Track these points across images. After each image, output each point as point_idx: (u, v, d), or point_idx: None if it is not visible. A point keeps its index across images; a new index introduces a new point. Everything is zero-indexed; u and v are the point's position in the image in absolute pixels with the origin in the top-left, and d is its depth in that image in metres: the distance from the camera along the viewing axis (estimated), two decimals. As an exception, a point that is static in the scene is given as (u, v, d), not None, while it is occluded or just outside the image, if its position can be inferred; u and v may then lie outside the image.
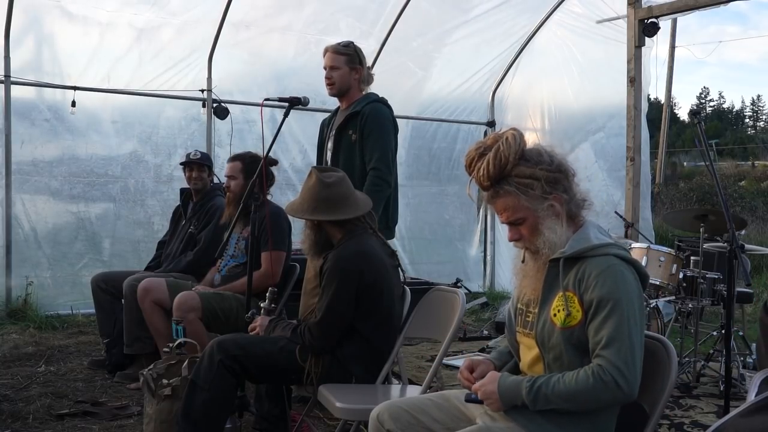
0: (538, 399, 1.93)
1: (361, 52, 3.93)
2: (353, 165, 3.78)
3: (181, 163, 4.76)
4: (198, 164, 4.64)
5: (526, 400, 1.95)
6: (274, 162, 3.96)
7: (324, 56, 3.89)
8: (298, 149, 7.02)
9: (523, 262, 2.15)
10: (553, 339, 1.99)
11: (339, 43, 3.90)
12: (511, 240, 2.11)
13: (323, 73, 3.91)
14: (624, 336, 1.88)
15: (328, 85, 3.87)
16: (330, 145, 3.95)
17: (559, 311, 1.99)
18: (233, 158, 4.19)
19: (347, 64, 3.84)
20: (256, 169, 3.83)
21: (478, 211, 8.23)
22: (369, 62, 7.10)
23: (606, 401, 1.91)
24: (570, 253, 1.98)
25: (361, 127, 3.78)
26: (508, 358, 2.24)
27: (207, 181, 4.68)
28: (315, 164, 4.04)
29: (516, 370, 2.18)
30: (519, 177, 2.01)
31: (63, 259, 6.18)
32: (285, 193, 6.60)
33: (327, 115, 4.23)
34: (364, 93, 3.92)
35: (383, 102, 3.92)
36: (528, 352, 2.11)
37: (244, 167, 4.06)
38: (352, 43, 3.93)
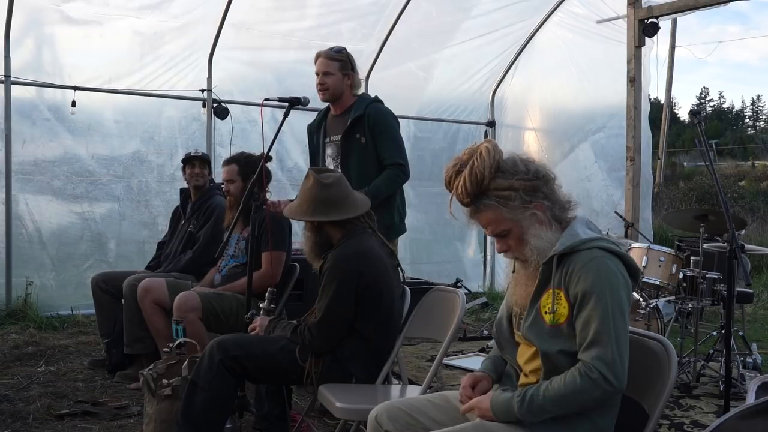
0: (532, 410, 1.93)
1: (353, 58, 3.93)
2: (366, 167, 3.82)
3: (183, 161, 4.76)
4: (200, 160, 4.67)
5: (520, 415, 1.95)
6: (269, 158, 3.97)
7: (316, 61, 3.87)
8: (300, 149, 7.02)
9: (513, 272, 2.16)
10: (542, 336, 1.99)
11: (331, 49, 3.88)
12: (500, 252, 2.11)
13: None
14: (609, 329, 1.88)
15: (320, 90, 3.87)
16: (330, 151, 3.95)
17: (548, 310, 2.00)
18: (228, 161, 4.19)
19: (340, 70, 3.84)
20: (252, 168, 3.91)
21: None
22: (369, 63, 7.19)
23: (597, 398, 1.91)
24: (561, 250, 1.98)
25: (370, 129, 3.82)
26: (502, 366, 2.24)
27: (207, 180, 4.70)
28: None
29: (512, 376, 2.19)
30: (497, 190, 2.00)
31: (68, 260, 6.18)
32: (289, 193, 6.61)
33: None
34: (356, 97, 3.95)
35: (381, 101, 3.97)
36: (526, 351, 2.11)
37: (240, 169, 4.07)
38: (345, 49, 3.92)
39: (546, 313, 2.00)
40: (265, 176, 3.85)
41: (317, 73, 3.86)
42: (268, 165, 3.97)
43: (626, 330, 1.93)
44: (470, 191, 2.01)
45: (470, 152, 2.05)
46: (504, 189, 2.00)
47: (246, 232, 3.97)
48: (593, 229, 2.07)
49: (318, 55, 3.87)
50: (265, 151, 3.43)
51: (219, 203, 4.51)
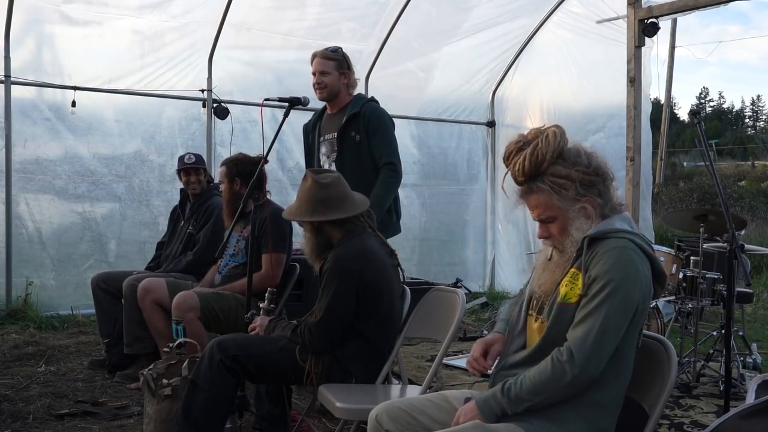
0: (511, 398, 1.94)
1: (348, 57, 3.99)
2: (361, 164, 3.88)
3: (179, 170, 4.75)
4: (194, 168, 4.66)
5: (503, 403, 1.94)
6: (265, 161, 3.97)
7: (312, 61, 3.95)
8: (301, 149, 6.97)
9: (549, 259, 2.13)
10: (552, 311, 2.00)
11: (327, 49, 3.96)
12: (540, 237, 2.09)
13: None
14: (600, 316, 1.87)
15: (318, 89, 3.94)
16: (324, 149, 4.00)
17: (564, 285, 1.99)
18: (221, 164, 4.20)
19: (336, 69, 3.92)
20: (240, 170, 3.97)
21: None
22: (369, 63, 7.19)
23: (566, 384, 1.88)
24: (593, 234, 1.97)
25: (365, 126, 3.88)
26: None
27: (203, 184, 4.70)
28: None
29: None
30: (554, 176, 1.99)
31: (68, 260, 6.17)
32: (289, 193, 6.62)
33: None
34: (352, 96, 4.00)
35: (377, 102, 4.04)
36: (534, 336, 2.11)
37: (227, 171, 4.07)
38: (340, 48, 4.00)
39: (559, 288, 2.00)
40: (253, 177, 3.87)
41: (314, 73, 3.93)
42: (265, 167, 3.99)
43: (620, 326, 1.89)
44: (527, 171, 1.99)
45: (536, 132, 2.03)
46: (561, 176, 1.98)
47: (246, 232, 3.98)
48: (633, 227, 2.05)
49: (314, 55, 3.95)
50: (265, 153, 3.43)
51: (218, 204, 4.51)
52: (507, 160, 2.05)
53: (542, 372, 1.91)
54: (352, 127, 3.90)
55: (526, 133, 2.06)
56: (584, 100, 7.61)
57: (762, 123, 59.25)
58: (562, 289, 1.99)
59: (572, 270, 1.99)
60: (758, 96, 61.75)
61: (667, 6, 6.10)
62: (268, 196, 4.02)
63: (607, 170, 2.05)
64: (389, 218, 3.96)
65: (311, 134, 4.14)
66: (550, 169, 1.99)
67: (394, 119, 4.12)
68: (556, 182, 1.99)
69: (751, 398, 1.71)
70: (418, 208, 7.83)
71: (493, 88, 8.13)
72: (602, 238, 1.97)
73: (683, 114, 51.48)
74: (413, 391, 2.86)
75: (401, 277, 3.13)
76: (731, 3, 5.82)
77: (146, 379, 3.15)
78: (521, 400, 1.93)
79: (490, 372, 2.16)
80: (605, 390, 1.96)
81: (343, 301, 2.84)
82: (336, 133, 3.94)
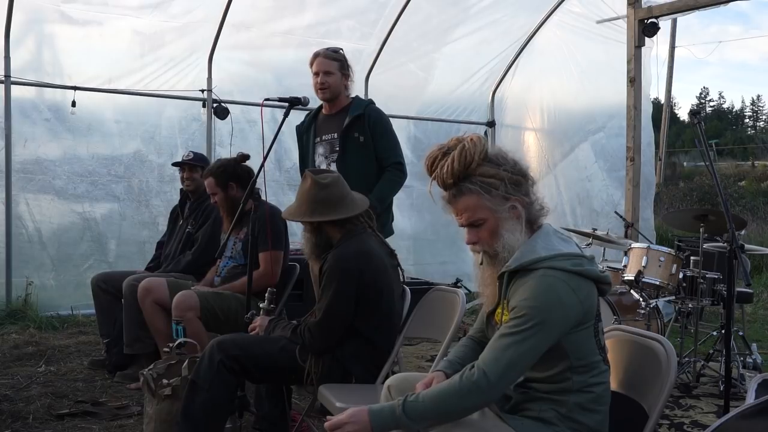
0: (409, 414, 1.88)
1: (347, 58, 3.99)
2: (364, 165, 3.88)
3: (174, 164, 4.76)
4: (189, 165, 4.64)
5: (400, 419, 1.88)
6: (246, 157, 3.96)
7: (313, 61, 3.91)
8: (299, 150, 7.03)
9: (481, 264, 2.13)
10: None
11: (328, 49, 3.94)
12: (468, 243, 2.07)
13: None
14: (510, 342, 1.86)
15: (321, 89, 3.90)
16: (322, 150, 3.99)
17: (498, 322, 2.02)
18: (205, 175, 4.14)
19: (340, 70, 3.90)
20: (231, 174, 3.96)
21: None
22: (369, 62, 7.19)
23: (471, 401, 1.87)
24: (513, 267, 1.97)
25: (370, 128, 3.88)
26: (460, 367, 2.21)
27: (200, 182, 4.66)
28: (300, 171, 4.11)
29: None
30: (483, 176, 1.99)
31: (68, 260, 6.17)
32: (286, 193, 6.62)
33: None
34: (349, 97, 4.00)
35: (374, 103, 4.05)
36: None
37: (216, 181, 4.02)
38: (341, 49, 3.98)
39: (496, 325, 2.03)
40: (244, 176, 3.89)
41: (316, 73, 3.89)
42: (248, 164, 3.99)
43: (536, 351, 1.87)
44: (456, 172, 1.98)
45: (458, 139, 2.04)
46: (490, 176, 1.99)
47: (242, 234, 3.98)
48: (564, 238, 2.04)
49: (316, 55, 3.91)
50: (264, 153, 3.42)
51: (218, 203, 4.50)
52: (432, 166, 2.04)
53: (452, 384, 1.88)
54: (355, 128, 3.89)
55: (446, 142, 2.06)
56: (584, 100, 7.61)
57: (762, 123, 59.35)
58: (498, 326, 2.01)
59: (503, 303, 2.01)
60: (758, 96, 61.90)
61: (667, 6, 6.11)
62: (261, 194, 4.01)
63: (529, 172, 2.07)
64: (387, 218, 3.97)
65: (305, 135, 4.12)
66: (479, 169, 1.99)
67: (393, 119, 4.14)
68: (486, 182, 1.98)
69: (751, 398, 1.71)
70: (417, 209, 7.82)
71: (493, 88, 8.13)
72: (523, 270, 1.95)
73: (683, 114, 51.58)
74: (413, 391, 2.86)
75: (401, 277, 3.13)
76: (731, 3, 5.83)
77: (146, 379, 3.14)
78: (425, 410, 1.88)
79: None
80: (585, 393, 1.95)
81: (343, 301, 2.84)
82: (337, 134, 3.93)
